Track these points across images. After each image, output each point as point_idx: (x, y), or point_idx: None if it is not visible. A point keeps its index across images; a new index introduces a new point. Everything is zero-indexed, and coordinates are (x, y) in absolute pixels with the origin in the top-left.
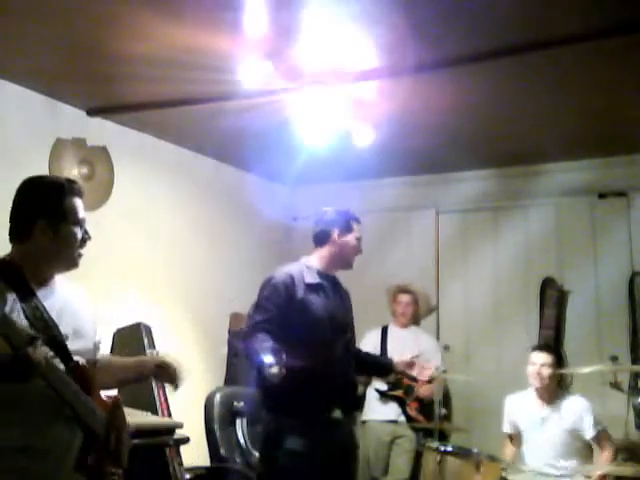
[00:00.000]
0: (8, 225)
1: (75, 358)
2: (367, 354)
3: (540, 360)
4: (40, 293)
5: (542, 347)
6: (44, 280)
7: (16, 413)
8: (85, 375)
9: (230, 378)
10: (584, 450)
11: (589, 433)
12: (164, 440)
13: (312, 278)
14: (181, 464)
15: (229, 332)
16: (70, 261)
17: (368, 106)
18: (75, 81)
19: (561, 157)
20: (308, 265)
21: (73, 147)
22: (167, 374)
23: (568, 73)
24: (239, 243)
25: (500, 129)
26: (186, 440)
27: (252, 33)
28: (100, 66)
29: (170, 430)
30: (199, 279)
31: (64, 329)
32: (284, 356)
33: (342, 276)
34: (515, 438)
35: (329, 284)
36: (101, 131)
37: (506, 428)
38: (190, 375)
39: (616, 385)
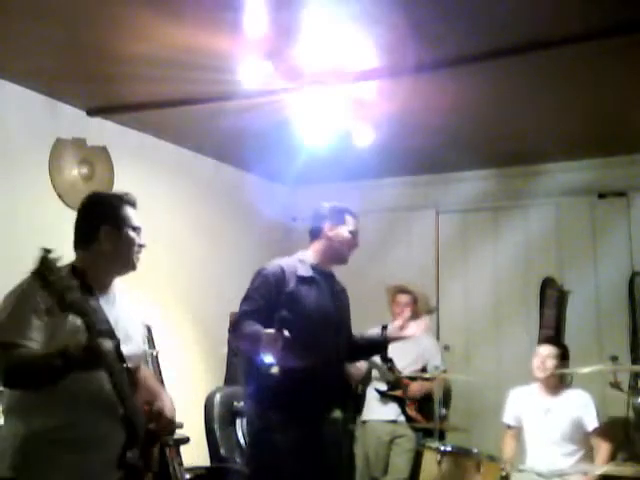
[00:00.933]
0: (8, 225)
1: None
2: (360, 338)
3: (545, 352)
4: (102, 298)
5: (548, 340)
6: (105, 285)
7: (70, 407)
8: (134, 379)
9: (230, 378)
10: (584, 441)
11: (591, 425)
12: (164, 440)
13: (305, 271)
14: (181, 464)
15: (229, 332)
16: (129, 263)
17: (368, 106)
18: (75, 81)
19: (561, 157)
20: (302, 259)
21: (73, 147)
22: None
23: (568, 73)
24: (239, 243)
25: (500, 129)
26: (186, 440)
27: (252, 33)
28: (100, 66)
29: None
30: (199, 279)
31: (119, 334)
32: (283, 336)
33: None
34: (516, 431)
35: (323, 279)
36: (101, 131)
37: (507, 419)
38: (190, 375)
39: (616, 385)
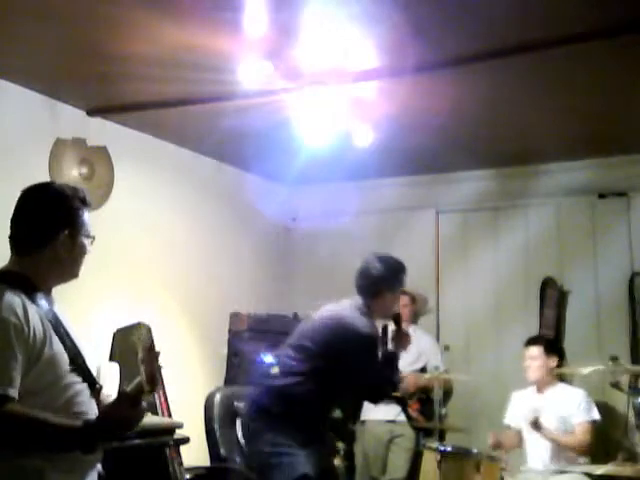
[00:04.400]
0: (8, 225)
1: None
2: None
3: (529, 353)
4: (54, 307)
5: (530, 340)
6: (48, 293)
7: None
8: (99, 401)
9: (230, 378)
10: None
11: (576, 418)
12: (164, 440)
13: None
14: (181, 464)
15: (229, 332)
16: (75, 273)
17: (368, 106)
18: (75, 81)
19: (561, 157)
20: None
21: (73, 147)
22: None
23: (568, 73)
24: (239, 243)
25: (500, 129)
26: (186, 440)
27: (252, 33)
28: (100, 66)
29: (170, 430)
30: (199, 279)
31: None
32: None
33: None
34: (514, 432)
35: None
36: (101, 131)
37: (507, 420)
38: (190, 375)
39: (616, 385)
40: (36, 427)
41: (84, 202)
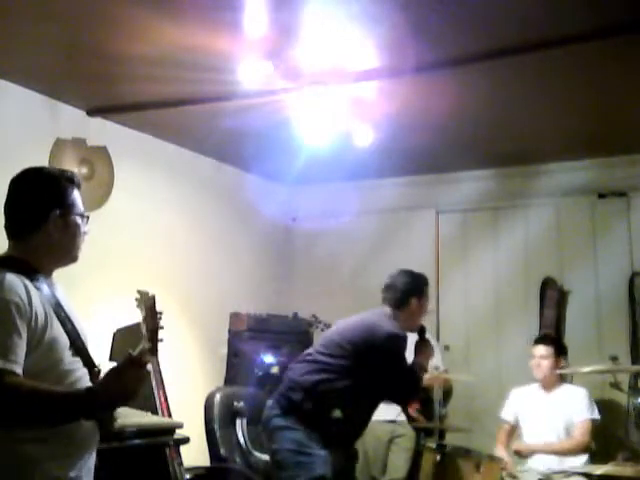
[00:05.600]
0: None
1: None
2: None
3: (539, 353)
4: (56, 291)
5: (541, 339)
6: (48, 276)
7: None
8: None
9: (230, 378)
10: None
11: (578, 417)
12: (164, 440)
13: None
14: (181, 464)
15: (229, 332)
16: (74, 254)
17: (368, 106)
18: (75, 81)
19: (561, 157)
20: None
21: (73, 147)
22: None
23: (568, 73)
24: (239, 243)
25: (500, 129)
26: (186, 440)
27: (252, 33)
28: (100, 66)
29: (170, 430)
30: (199, 279)
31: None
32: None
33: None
34: (510, 428)
35: None
36: (101, 131)
37: (505, 415)
38: (190, 375)
39: (616, 385)
40: (40, 397)
41: (72, 181)
